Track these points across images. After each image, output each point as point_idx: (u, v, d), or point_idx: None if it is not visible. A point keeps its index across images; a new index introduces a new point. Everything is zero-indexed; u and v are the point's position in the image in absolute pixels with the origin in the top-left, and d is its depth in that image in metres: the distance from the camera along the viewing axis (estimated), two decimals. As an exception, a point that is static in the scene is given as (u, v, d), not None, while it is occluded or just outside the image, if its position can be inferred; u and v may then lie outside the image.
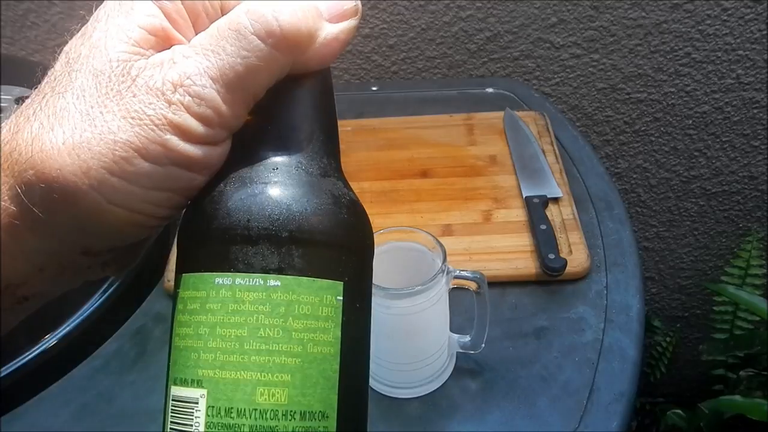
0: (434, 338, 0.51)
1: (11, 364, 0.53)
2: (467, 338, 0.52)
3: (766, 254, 1.08)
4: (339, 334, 0.22)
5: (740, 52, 0.95)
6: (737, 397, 0.87)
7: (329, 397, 0.22)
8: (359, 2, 0.24)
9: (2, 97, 0.69)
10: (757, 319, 1.03)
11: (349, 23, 0.24)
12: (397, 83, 0.99)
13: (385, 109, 0.85)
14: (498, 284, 0.59)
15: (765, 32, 0.93)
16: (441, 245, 0.48)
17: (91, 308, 0.57)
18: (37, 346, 0.54)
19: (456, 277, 0.49)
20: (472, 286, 0.49)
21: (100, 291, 0.58)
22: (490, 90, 0.89)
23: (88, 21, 0.23)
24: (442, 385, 0.53)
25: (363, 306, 0.24)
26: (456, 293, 0.50)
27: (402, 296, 0.45)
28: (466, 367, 0.54)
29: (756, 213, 1.12)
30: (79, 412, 0.52)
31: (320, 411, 0.21)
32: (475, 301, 0.49)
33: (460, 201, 0.69)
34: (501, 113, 0.81)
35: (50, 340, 0.55)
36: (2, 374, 0.52)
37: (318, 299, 0.22)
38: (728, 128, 1.03)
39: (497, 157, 0.75)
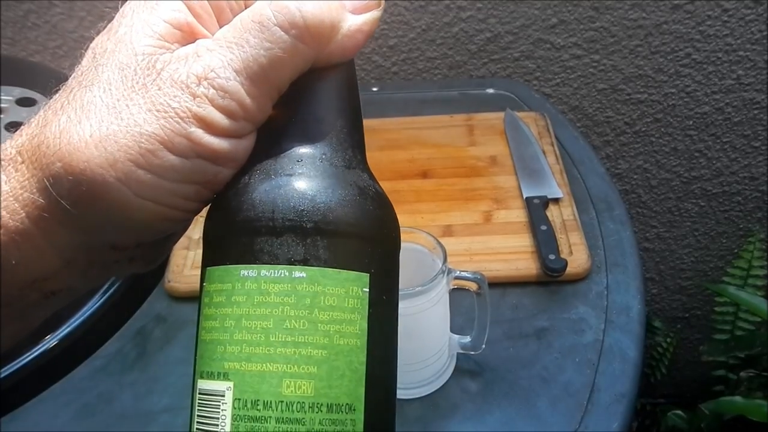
0: (434, 339, 0.51)
1: (11, 364, 0.53)
2: (468, 339, 0.52)
3: (767, 255, 1.08)
4: (365, 326, 0.22)
5: (741, 53, 0.95)
6: (738, 398, 0.87)
7: (356, 390, 0.22)
8: None
9: (2, 97, 0.69)
10: (758, 320, 1.03)
11: (373, 14, 0.24)
12: (398, 84, 0.99)
13: (386, 110, 0.85)
14: (498, 285, 0.59)
15: (765, 33, 0.93)
16: (441, 246, 0.48)
17: (92, 308, 0.57)
18: (37, 347, 0.54)
19: (456, 278, 0.49)
20: (473, 286, 0.49)
21: (101, 291, 0.58)
22: (490, 91, 0.89)
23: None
24: (443, 385, 0.53)
25: (390, 298, 0.24)
26: (456, 294, 0.50)
27: (402, 297, 0.45)
28: (466, 367, 0.54)
29: (756, 214, 1.12)
30: (80, 413, 0.52)
31: (347, 403, 0.21)
32: (475, 301, 0.49)
33: (460, 201, 0.69)
34: (501, 114, 0.81)
35: (51, 341, 0.55)
36: (2, 374, 0.52)
37: (344, 291, 0.22)
38: (729, 129, 1.03)
39: (498, 157, 0.75)
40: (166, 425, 0.51)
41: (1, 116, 0.67)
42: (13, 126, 0.66)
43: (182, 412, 0.52)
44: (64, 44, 0.96)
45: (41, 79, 0.75)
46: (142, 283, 0.63)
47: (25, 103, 0.69)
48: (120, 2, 0.24)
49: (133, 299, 0.62)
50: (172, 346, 0.57)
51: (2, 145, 0.23)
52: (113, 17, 0.23)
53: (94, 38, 0.23)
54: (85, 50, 0.23)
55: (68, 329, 0.56)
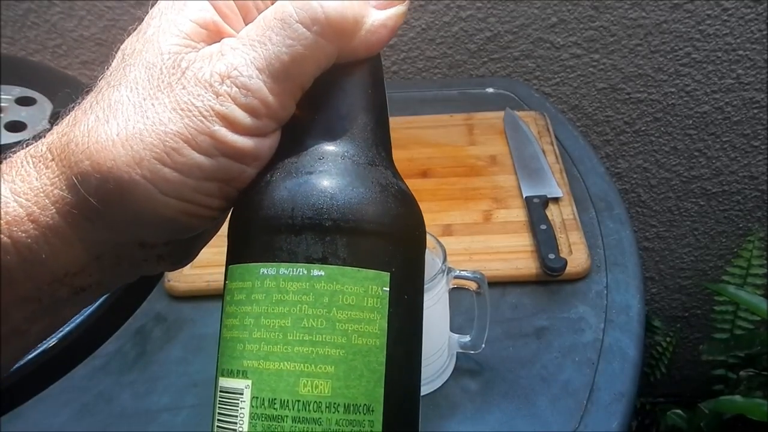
0: (434, 338, 0.51)
1: (11, 363, 0.53)
2: (467, 338, 0.52)
3: (766, 254, 1.08)
4: (385, 325, 0.22)
5: (740, 52, 0.95)
6: (737, 397, 0.87)
7: (375, 390, 0.21)
8: None
9: (2, 96, 0.69)
10: (758, 319, 1.03)
11: (397, 9, 0.24)
12: (398, 83, 0.99)
13: (386, 109, 0.85)
14: (498, 284, 0.59)
15: (765, 32, 0.93)
16: (441, 245, 0.48)
17: (92, 308, 0.57)
18: (37, 346, 0.54)
19: (456, 277, 0.49)
20: (473, 286, 0.49)
21: (100, 291, 0.58)
22: (490, 90, 0.89)
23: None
24: (442, 385, 0.53)
25: (412, 298, 0.23)
26: (456, 293, 0.50)
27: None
28: (466, 367, 0.54)
29: (756, 213, 1.12)
30: (79, 412, 0.52)
31: (365, 404, 0.21)
32: (475, 301, 0.49)
33: (460, 201, 0.69)
34: (501, 113, 0.81)
35: (50, 340, 0.55)
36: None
37: (363, 289, 0.21)
38: (728, 128, 1.03)
39: (497, 157, 0.75)
40: (165, 424, 0.51)
41: (1, 115, 0.67)
42: (13, 125, 0.66)
43: (182, 412, 0.52)
44: (64, 43, 0.96)
45: (41, 78, 0.75)
46: (141, 282, 0.63)
47: (25, 102, 0.69)
48: (150, 3, 0.24)
49: (132, 298, 0.62)
50: (171, 346, 0.57)
51: (37, 142, 0.23)
52: (137, 17, 0.24)
53: (125, 40, 0.23)
54: (116, 52, 0.23)
55: (68, 328, 0.56)
